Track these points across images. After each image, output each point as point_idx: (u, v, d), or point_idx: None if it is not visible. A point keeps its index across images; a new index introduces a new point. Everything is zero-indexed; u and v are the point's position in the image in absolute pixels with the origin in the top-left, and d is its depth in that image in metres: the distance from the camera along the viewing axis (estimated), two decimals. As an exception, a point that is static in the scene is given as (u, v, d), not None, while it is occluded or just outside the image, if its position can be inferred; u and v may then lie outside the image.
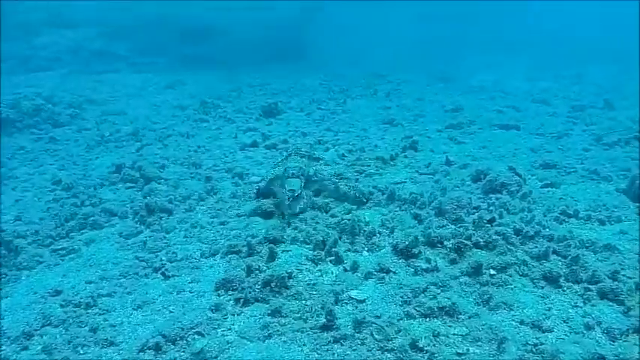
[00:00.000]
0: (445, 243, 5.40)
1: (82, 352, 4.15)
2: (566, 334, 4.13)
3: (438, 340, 4.06)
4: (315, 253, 5.37)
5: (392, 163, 8.15)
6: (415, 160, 8.34)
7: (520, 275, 4.91)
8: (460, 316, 4.34)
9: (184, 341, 4.15)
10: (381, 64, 20.37)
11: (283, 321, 4.34)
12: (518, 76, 18.37)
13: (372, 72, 18.29)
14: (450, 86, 16.17)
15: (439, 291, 4.63)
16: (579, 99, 14.12)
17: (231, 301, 4.66)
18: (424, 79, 17.70)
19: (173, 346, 4.10)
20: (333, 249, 5.34)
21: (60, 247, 6.09)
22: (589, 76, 18.65)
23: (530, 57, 22.71)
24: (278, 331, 4.24)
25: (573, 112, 12.42)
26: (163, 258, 5.60)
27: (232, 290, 4.83)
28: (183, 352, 4.04)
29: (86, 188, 7.53)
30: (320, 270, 5.07)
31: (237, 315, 4.48)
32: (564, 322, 4.29)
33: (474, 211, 6.16)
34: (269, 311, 4.46)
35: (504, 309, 4.44)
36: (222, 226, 6.37)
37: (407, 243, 5.32)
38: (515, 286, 4.73)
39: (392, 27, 26.42)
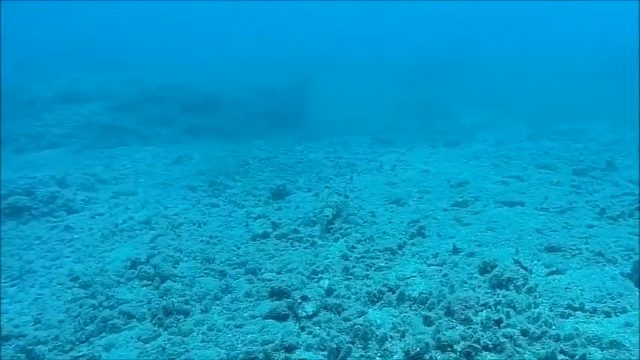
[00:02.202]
0: (455, 347, 5.54)
1: None
2: None
3: None
4: (330, 361, 5.36)
5: (400, 252, 8.36)
6: (423, 248, 8.54)
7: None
8: None
9: None
10: (381, 126, 20.61)
11: None
12: (519, 135, 18.58)
13: (375, 138, 18.49)
14: (454, 152, 16.35)
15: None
16: (581, 160, 14.32)
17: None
18: (427, 143, 17.85)
19: None
20: (347, 358, 5.47)
21: (80, 353, 6.21)
22: (589, 132, 18.82)
23: (528, 108, 22.92)
24: None
25: (576, 177, 12.60)
26: (183, 366, 5.54)
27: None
28: None
29: (103, 287, 7.70)
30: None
31: None
32: None
33: (482, 308, 6.30)
34: None
35: None
36: (238, 329, 6.51)
37: (418, 349, 5.47)
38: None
39: (383, 85, 26.76)
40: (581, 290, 6.83)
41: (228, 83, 24.43)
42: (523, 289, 6.68)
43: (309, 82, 25.77)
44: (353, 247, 8.54)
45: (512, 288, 6.73)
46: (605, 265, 7.58)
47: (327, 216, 10.03)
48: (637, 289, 6.77)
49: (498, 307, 6.27)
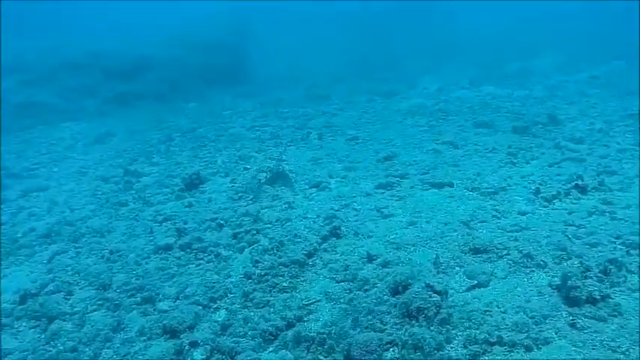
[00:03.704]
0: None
1: None
2: None
3: None
4: None
5: (310, 262, 7.50)
6: (335, 255, 7.70)
7: None
8: None
9: None
10: (321, 77, 19.60)
11: None
12: (462, 81, 17.68)
13: (311, 93, 17.51)
14: (390, 106, 15.41)
15: None
16: (523, 114, 13.45)
17: None
18: (365, 95, 16.88)
19: None
20: None
21: None
22: (535, 73, 18.02)
23: (478, 50, 22.05)
24: None
25: (515, 136, 11.76)
26: None
27: None
28: None
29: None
30: None
31: None
32: None
33: (388, 346, 5.52)
34: None
35: None
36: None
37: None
38: None
39: (330, 38, 25.54)
40: (502, 313, 5.97)
41: (163, 43, 22.96)
42: (435, 321, 5.76)
43: (251, 36, 24.42)
44: (257, 261, 7.53)
45: (422, 320, 5.81)
46: (533, 270, 6.80)
47: (260, 180, 10.09)
48: (564, 308, 5.88)
49: (403, 350, 5.35)
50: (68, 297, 7.55)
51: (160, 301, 7.25)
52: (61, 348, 6.41)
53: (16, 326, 7.00)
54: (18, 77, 18.82)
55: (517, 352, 5.43)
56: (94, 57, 20.63)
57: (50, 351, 6.40)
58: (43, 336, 6.74)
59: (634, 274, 6.35)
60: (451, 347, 5.51)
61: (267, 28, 26.68)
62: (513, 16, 32.27)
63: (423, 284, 6.21)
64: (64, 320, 7.00)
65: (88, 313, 7.14)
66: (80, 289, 7.76)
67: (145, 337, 6.47)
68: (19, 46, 21.77)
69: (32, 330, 6.91)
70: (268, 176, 10.47)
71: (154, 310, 7.03)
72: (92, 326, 6.80)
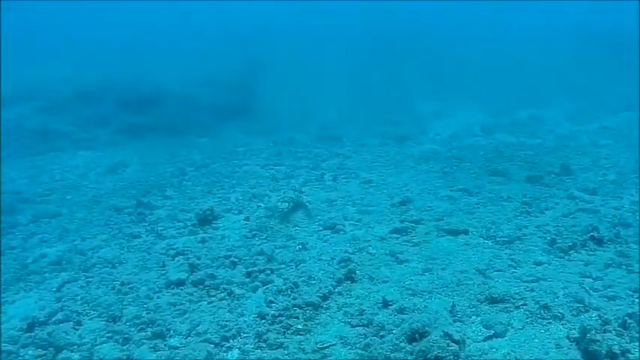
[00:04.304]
0: None
1: None
2: None
3: None
4: None
5: (324, 306, 7.43)
6: (350, 299, 7.65)
7: None
8: None
9: None
10: (331, 118, 19.69)
11: None
12: (473, 127, 17.76)
13: (321, 134, 17.57)
14: (403, 150, 15.43)
15: None
16: (536, 162, 13.49)
17: None
18: (377, 138, 16.96)
19: None
20: None
21: None
22: (546, 121, 18.10)
23: (483, 95, 22.11)
24: None
25: (529, 185, 11.87)
26: None
27: None
28: None
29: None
30: None
31: None
32: None
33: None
34: None
35: None
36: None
37: None
38: None
39: (337, 72, 25.66)
40: (520, 365, 5.84)
41: (174, 77, 23.16)
42: (453, 371, 5.68)
43: (259, 72, 24.57)
44: (271, 301, 7.47)
45: (440, 369, 5.71)
46: (550, 322, 6.74)
47: (283, 209, 10.38)
48: (583, 361, 5.82)
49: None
50: (77, 327, 7.45)
51: (170, 337, 7.16)
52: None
53: (22, 354, 6.88)
54: (33, 104, 18.99)
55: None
56: (107, 88, 20.77)
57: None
58: (49, 366, 6.45)
59: (654, 329, 6.26)
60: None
61: (274, 58, 26.80)
62: (519, 35, 32.38)
63: (441, 332, 6.15)
64: (72, 351, 6.90)
65: (96, 344, 7.04)
66: (89, 319, 7.67)
67: (155, 376, 6.28)
68: (33, 73, 21.93)
69: (38, 359, 6.77)
70: (290, 206, 10.85)
71: (165, 345, 6.94)
72: (101, 359, 6.70)
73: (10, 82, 20.35)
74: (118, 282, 8.69)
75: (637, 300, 7.10)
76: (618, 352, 5.87)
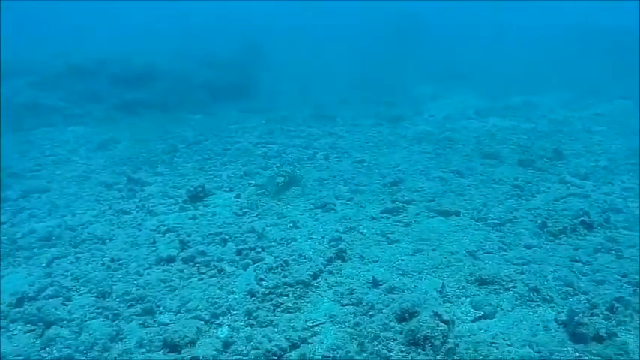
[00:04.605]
0: None
1: None
2: None
3: None
4: None
5: (315, 284, 7.42)
6: (341, 278, 7.68)
7: None
8: None
9: None
10: (327, 98, 19.60)
11: None
12: (467, 110, 17.75)
13: (317, 113, 17.48)
14: (397, 132, 15.42)
15: None
16: (528, 147, 13.50)
17: None
18: (371, 119, 16.92)
19: None
20: None
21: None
22: (540, 106, 18.11)
23: (479, 80, 22.10)
24: None
25: (521, 169, 11.86)
26: None
27: None
28: None
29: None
30: None
31: None
32: None
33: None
34: None
35: None
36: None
37: None
38: None
39: (336, 55, 25.56)
40: (508, 346, 5.94)
41: (171, 53, 23.03)
42: (441, 350, 5.72)
43: (258, 51, 24.47)
44: (262, 279, 7.46)
45: (429, 348, 5.77)
46: (539, 304, 6.79)
47: (278, 182, 10.65)
48: (570, 344, 5.85)
49: (410, 380, 5.31)
50: (66, 302, 7.42)
51: (160, 313, 7.15)
52: (57, 355, 6.29)
53: (11, 329, 6.89)
54: (25, 79, 18.80)
55: (524, 386, 5.33)
56: (101, 63, 20.61)
57: (45, 357, 6.29)
58: (38, 341, 6.62)
59: (640, 313, 6.31)
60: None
61: (274, 44, 26.66)
62: (518, 34, 32.36)
63: (431, 312, 6.16)
64: (62, 326, 6.88)
65: (86, 320, 7.02)
66: (79, 295, 7.64)
67: (144, 350, 6.37)
68: (27, 48, 21.74)
69: (27, 334, 6.78)
70: (286, 180, 11.10)
71: (154, 322, 6.94)
72: (90, 334, 6.68)
73: (3, 56, 20.11)
74: (107, 258, 8.66)
75: (625, 285, 7.10)
76: (605, 335, 5.92)
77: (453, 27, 33.76)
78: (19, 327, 6.93)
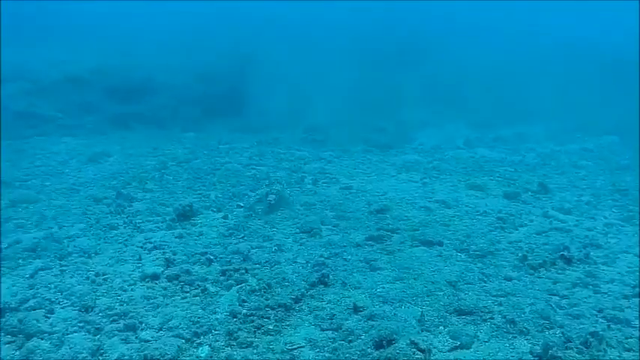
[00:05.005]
0: None
1: None
2: None
3: None
4: None
5: (296, 308, 7.55)
6: (322, 303, 7.78)
7: None
8: None
9: None
10: (318, 118, 19.82)
11: None
12: (457, 140, 17.98)
13: (307, 138, 17.69)
14: (386, 160, 15.59)
15: None
16: (514, 179, 13.71)
17: None
18: (361, 145, 17.09)
19: None
20: None
21: None
22: (529, 139, 18.36)
23: (468, 109, 22.32)
24: None
25: (506, 201, 12.08)
26: None
27: None
28: None
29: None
30: None
31: None
32: None
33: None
34: None
35: None
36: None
37: None
38: None
39: (330, 73, 25.71)
40: (482, 379, 6.00)
41: (166, 67, 23.15)
42: (417, 379, 5.82)
43: (251, 65, 24.60)
44: (244, 300, 7.58)
45: (404, 376, 5.85)
46: (515, 337, 6.92)
47: (270, 200, 11.01)
48: (544, 378, 5.99)
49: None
50: (48, 315, 7.49)
51: (142, 329, 7.23)
52: (32, 371, 6.16)
53: (-10, 340, 6.78)
54: (20, 86, 18.88)
55: None
56: (97, 74, 20.71)
57: (24, 369, 6.18)
58: (18, 353, 6.67)
59: (614, 348, 6.47)
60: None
61: (268, 55, 26.78)
62: (509, 54, 32.58)
63: (408, 340, 6.28)
64: (42, 339, 6.94)
65: (67, 334, 7.09)
66: (62, 308, 7.70)
67: (123, 365, 6.29)
68: (23, 54, 21.86)
69: (7, 345, 6.82)
70: (277, 198, 11.32)
71: (136, 338, 7.02)
72: (70, 348, 6.76)
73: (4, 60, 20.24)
74: (92, 272, 8.74)
75: (600, 319, 7.26)
76: (578, 369, 6.03)
77: (448, 45, 33.94)
78: (-1, 338, 6.84)
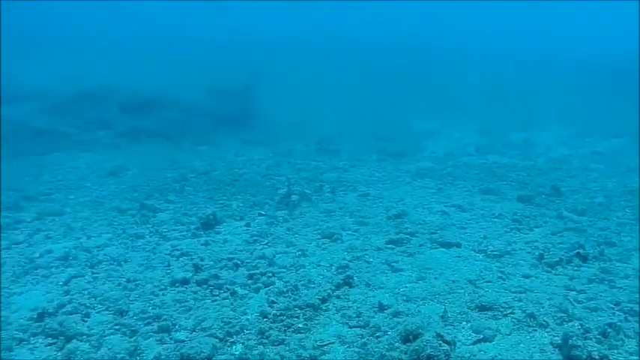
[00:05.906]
0: None
1: None
2: None
3: None
4: None
5: (323, 307, 7.82)
6: (348, 302, 8.06)
7: None
8: None
9: None
10: (330, 131, 20.11)
11: None
12: (468, 148, 18.25)
13: (320, 148, 17.98)
14: (399, 167, 15.89)
15: None
16: (527, 183, 13.97)
17: None
18: (375, 154, 17.40)
19: None
20: None
21: None
22: (539, 144, 18.61)
23: (479, 115, 22.57)
24: None
25: (520, 204, 12.28)
26: None
27: None
28: None
29: (4, 343, 7.03)
30: None
31: None
32: None
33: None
34: None
35: None
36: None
37: None
38: None
39: (338, 86, 25.99)
40: (507, 367, 6.28)
41: (176, 82, 23.56)
42: (444, 369, 6.11)
43: (260, 82, 24.96)
44: (273, 302, 7.87)
45: (432, 367, 6.14)
46: (535, 329, 7.18)
47: (294, 201, 11.56)
48: (565, 366, 6.27)
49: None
50: (85, 319, 7.75)
51: (176, 331, 7.49)
52: (76, 368, 6.44)
53: (32, 342, 7.20)
54: (37, 104, 19.35)
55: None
56: (109, 90, 21.21)
57: (67, 369, 6.46)
58: (59, 354, 6.93)
59: (631, 338, 6.73)
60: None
61: (276, 68, 27.11)
62: (518, 64, 32.71)
63: (434, 333, 6.56)
64: (81, 341, 7.20)
65: (105, 336, 7.35)
66: (97, 312, 7.98)
67: (162, 366, 6.56)
68: (35, 68, 22.29)
69: (48, 347, 7.09)
70: (299, 198, 12.12)
71: (171, 339, 7.28)
72: (109, 349, 7.01)
73: (15, 81, 20.67)
74: (124, 279, 9.03)
75: (617, 312, 7.52)
76: (597, 357, 6.31)
77: (456, 55, 34.18)
78: (40, 340, 7.26)
